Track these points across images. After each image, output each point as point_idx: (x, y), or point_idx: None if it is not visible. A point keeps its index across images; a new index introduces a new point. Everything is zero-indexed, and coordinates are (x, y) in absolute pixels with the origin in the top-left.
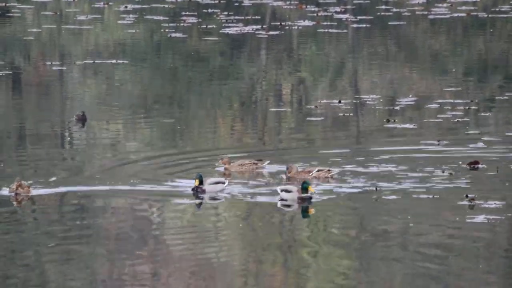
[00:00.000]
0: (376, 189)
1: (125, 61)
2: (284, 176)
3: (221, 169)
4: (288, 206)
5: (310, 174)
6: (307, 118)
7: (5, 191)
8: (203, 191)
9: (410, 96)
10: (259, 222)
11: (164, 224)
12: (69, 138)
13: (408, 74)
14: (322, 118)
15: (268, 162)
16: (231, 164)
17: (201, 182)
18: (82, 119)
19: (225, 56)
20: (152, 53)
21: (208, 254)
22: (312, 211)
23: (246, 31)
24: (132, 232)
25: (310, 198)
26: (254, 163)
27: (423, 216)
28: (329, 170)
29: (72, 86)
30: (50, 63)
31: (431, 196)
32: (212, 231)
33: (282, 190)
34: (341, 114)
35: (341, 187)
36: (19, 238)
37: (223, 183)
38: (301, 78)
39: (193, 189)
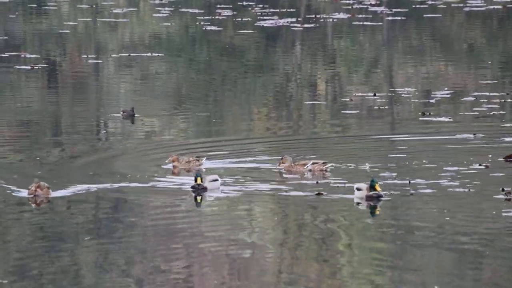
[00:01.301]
0: (410, 182)
1: (160, 54)
2: (277, 167)
3: (170, 166)
4: (358, 204)
5: (306, 166)
6: (342, 111)
7: (24, 193)
8: (205, 189)
9: (445, 89)
10: (294, 215)
11: (196, 217)
12: (104, 133)
13: (443, 67)
14: (357, 111)
15: (205, 158)
16: (180, 161)
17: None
18: (131, 115)
19: (260, 49)
20: (187, 46)
21: (243, 247)
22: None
23: (281, 24)
24: (165, 227)
25: (379, 196)
26: (196, 160)
27: (458, 209)
28: (324, 163)
29: (107, 79)
30: (85, 56)
31: (466, 190)
32: (247, 225)
33: (356, 188)
34: (376, 107)
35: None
36: (52, 234)
37: (217, 180)
38: (335, 71)
39: (193, 187)
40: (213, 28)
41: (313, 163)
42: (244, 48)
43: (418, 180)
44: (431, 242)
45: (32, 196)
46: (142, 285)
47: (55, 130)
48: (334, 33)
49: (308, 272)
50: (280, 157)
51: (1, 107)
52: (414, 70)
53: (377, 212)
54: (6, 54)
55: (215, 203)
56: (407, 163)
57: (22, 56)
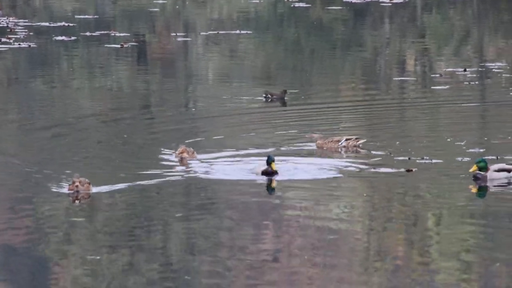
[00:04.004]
0: (498, 158)
1: (248, 32)
2: (306, 136)
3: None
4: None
5: (340, 143)
6: (432, 87)
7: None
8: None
9: None
10: (383, 191)
11: (284, 195)
12: (192, 112)
13: None
14: (447, 86)
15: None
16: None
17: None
18: (281, 98)
19: (348, 26)
20: (275, 23)
21: (330, 224)
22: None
23: (369, 0)
24: (251, 205)
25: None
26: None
27: None
28: (357, 138)
29: (196, 58)
30: (174, 34)
31: None
32: (334, 201)
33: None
34: (466, 83)
35: (467, 157)
36: (136, 218)
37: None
38: (425, 47)
39: (264, 172)
40: (301, 5)
41: (346, 139)
42: (333, 24)
43: (508, 156)
44: None
45: (73, 192)
46: (233, 256)
47: (143, 110)
48: (423, 8)
49: (396, 247)
50: (310, 132)
51: (91, 85)
52: (505, 44)
53: (469, 187)
54: (97, 33)
55: (300, 181)
56: (498, 139)
57: (112, 34)
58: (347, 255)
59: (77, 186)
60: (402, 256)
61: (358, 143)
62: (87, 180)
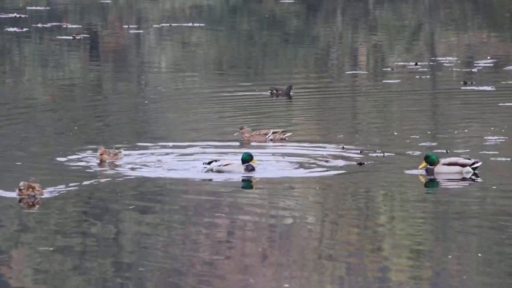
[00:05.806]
0: (447, 151)
1: (201, 24)
2: (235, 135)
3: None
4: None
5: (267, 136)
6: (383, 81)
7: (14, 193)
8: (253, 169)
9: (488, 58)
10: (335, 185)
11: (237, 192)
12: (141, 111)
13: (486, 36)
14: (399, 80)
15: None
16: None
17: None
18: (287, 93)
19: (300, 19)
20: (228, 16)
21: (282, 220)
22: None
23: None
24: (203, 203)
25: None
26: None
27: (500, 181)
28: (283, 132)
29: (148, 50)
30: (127, 26)
31: (509, 159)
32: (285, 196)
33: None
34: (418, 77)
35: (418, 150)
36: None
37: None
38: (377, 41)
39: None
40: None
41: (273, 132)
42: (285, 18)
43: (459, 150)
44: (474, 214)
45: (28, 196)
46: (185, 249)
47: (95, 102)
48: (375, 3)
49: (348, 244)
50: (239, 128)
51: (43, 77)
52: (456, 39)
53: (421, 182)
54: (49, 25)
55: (252, 176)
56: (448, 132)
57: (64, 26)
58: (299, 252)
59: (32, 190)
60: (354, 253)
61: (284, 136)
62: (38, 184)
